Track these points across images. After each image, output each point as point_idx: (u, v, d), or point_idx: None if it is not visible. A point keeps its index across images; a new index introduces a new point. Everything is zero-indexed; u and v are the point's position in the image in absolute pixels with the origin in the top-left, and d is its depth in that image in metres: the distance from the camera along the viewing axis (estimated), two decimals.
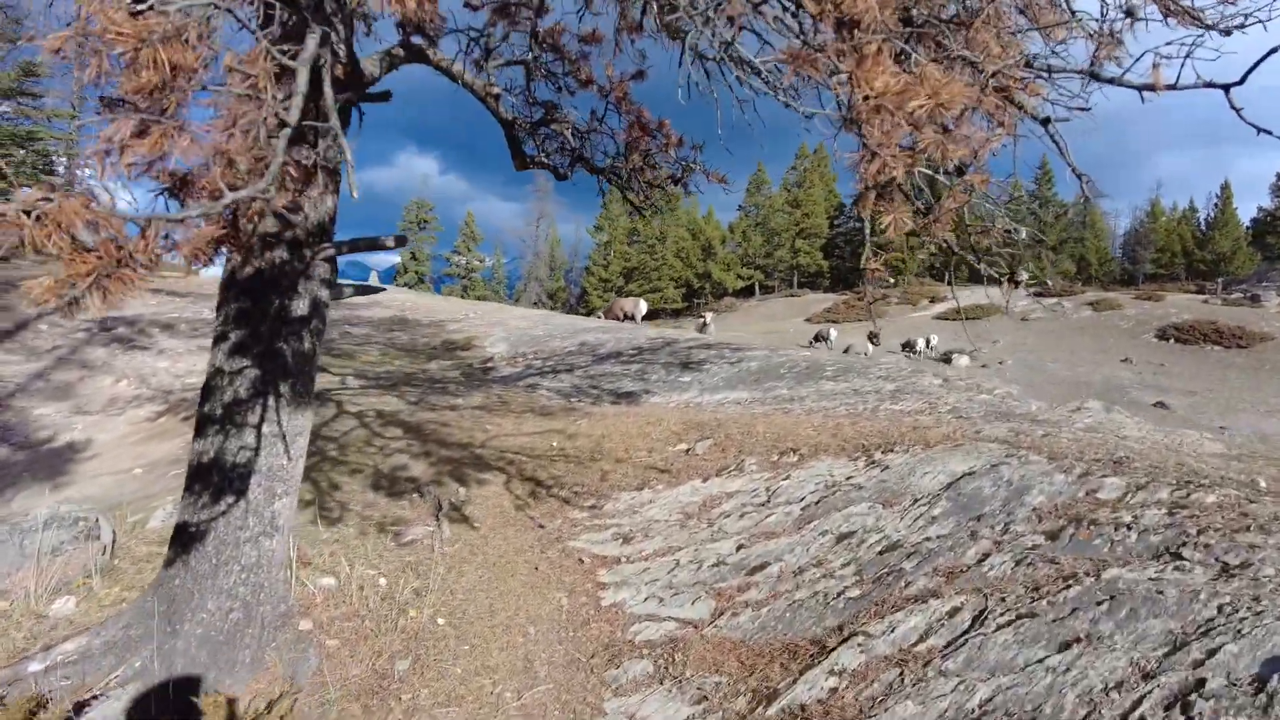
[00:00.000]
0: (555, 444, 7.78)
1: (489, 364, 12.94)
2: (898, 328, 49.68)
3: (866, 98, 1.74)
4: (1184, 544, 3.83)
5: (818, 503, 5.31)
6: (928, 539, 4.48)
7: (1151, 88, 2.90)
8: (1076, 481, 4.61)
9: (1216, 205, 61.25)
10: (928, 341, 41.61)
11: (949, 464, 5.20)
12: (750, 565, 4.86)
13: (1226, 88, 2.83)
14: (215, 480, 4.40)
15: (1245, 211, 67.63)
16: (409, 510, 6.62)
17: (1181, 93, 2.92)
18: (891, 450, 5.72)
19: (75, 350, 14.25)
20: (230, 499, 4.39)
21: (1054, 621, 3.52)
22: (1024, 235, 3.32)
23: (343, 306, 21.68)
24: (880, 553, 4.53)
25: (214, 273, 28.06)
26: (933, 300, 56.52)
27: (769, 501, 5.57)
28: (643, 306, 28.33)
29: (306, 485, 7.26)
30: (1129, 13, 3.19)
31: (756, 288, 72.17)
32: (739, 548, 5.09)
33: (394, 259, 72.78)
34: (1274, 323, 38.24)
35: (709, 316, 27.58)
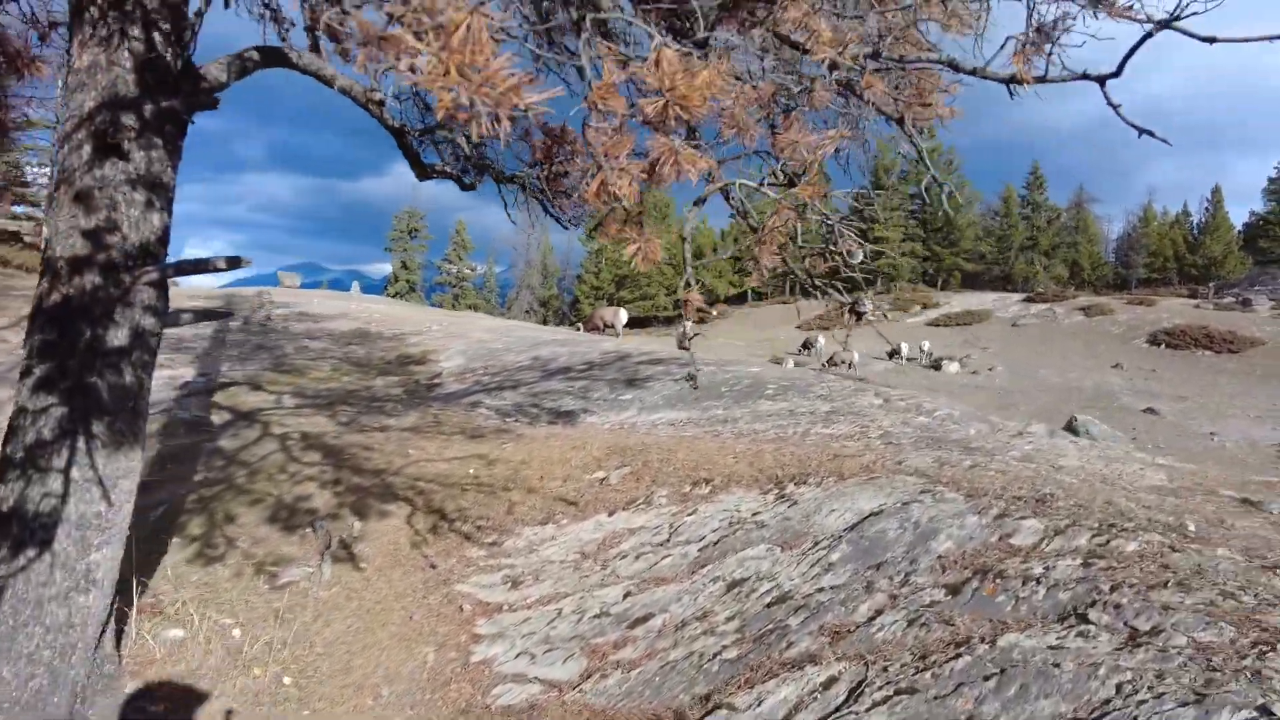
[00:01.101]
0: (472, 471, 7.29)
1: (436, 380, 12.45)
2: (890, 334, 49.27)
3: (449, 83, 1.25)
4: (1093, 603, 3.33)
5: (717, 543, 4.82)
6: (820, 590, 3.99)
7: (1019, 81, 2.43)
8: (991, 524, 4.12)
9: (1208, 210, 60.83)
10: (920, 348, 41.22)
11: (858, 501, 4.71)
12: (633, 617, 4.37)
13: (1102, 80, 2.36)
14: (15, 532, 3.91)
15: (1239, 216, 67.34)
16: (297, 547, 6.12)
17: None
18: (804, 482, 5.23)
19: (14, 369, 13.70)
20: (32, 552, 3.90)
21: (935, 699, 3.03)
22: (860, 258, 2.83)
23: (306, 319, 21.15)
24: (768, 605, 4.04)
25: (182, 288, 27.48)
26: (924, 306, 56.18)
27: (669, 540, 5.07)
28: (623, 316, 27.85)
29: (202, 518, 6.78)
30: None
31: (749, 294, 71.77)
32: (626, 595, 4.60)
33: (386, 268, 72.52)
34: (1265, 328, 37.86)
35: (688, 325, 27.05)
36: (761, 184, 2.49)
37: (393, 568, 5.78)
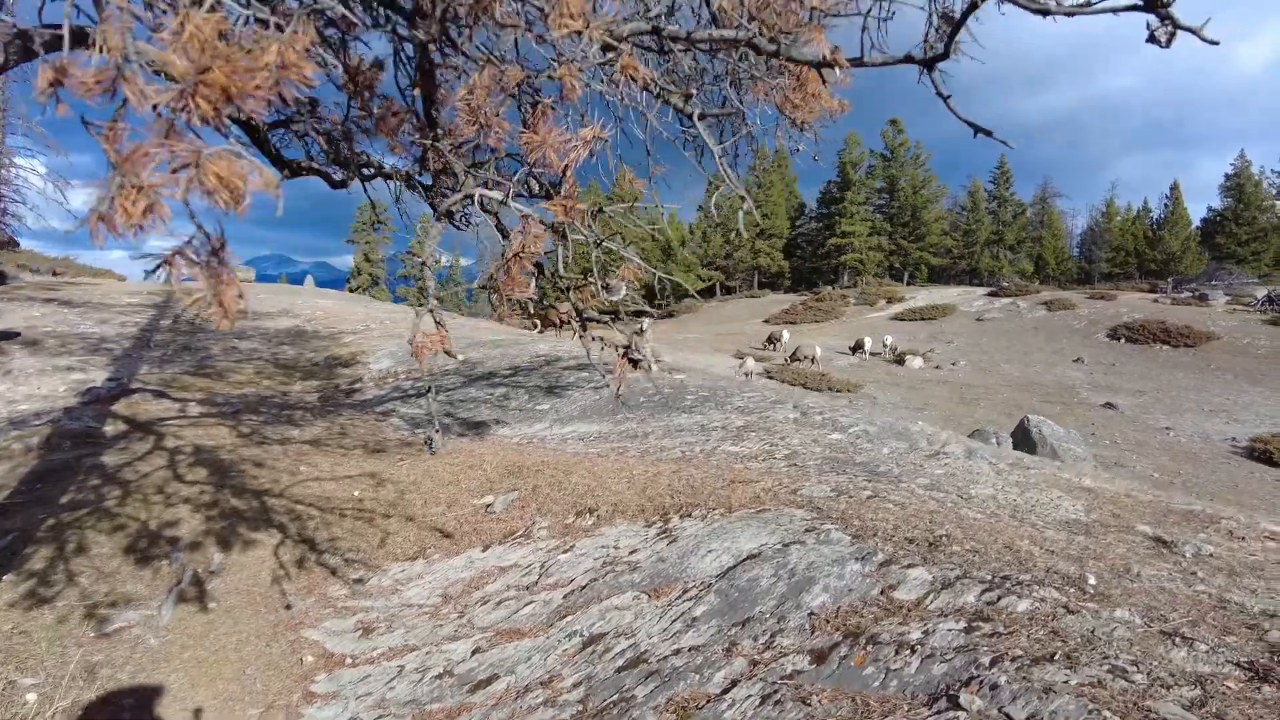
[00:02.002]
0: (357, 493, 6.71)
1: (357, 385, 11.80)
2: (854, 328, 49.23)
3: None
4: (969, 681, 2.86)
5: (585, 587, 4.31)
6: (678, 651, 3.49)
7: (830, 64, 1.93)
8: (875, 574, 3.64)
9: (1167, 206, 61.43)
10: (884, 342, 41.18)
11: (739, 539, 4.21)
12: (476, 679, 3.84)
13: (928, 64, 1.86)
14: None
15: (1200, 211, 68.30)
16: (146, 584, 5.51)
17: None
18: (690, 514, 4.73)
19: None
20: None
21: None
22: (623, 292, 2.33)
23: (246, 318, 20.34)
24: (620, 669, 3.53)
25: (130, 284, 26.48)
26: (890, 300, 56.26)
27: (537, 583, 4.55)
28: None
29: (50, 549, 6.13)
30: None
31: (718, 288, 71.42)
32: (475, 651, 4.06)
33: (350, 262, 71.11)
34: (1220, 322, 38.33)
35: (645, 323, 26.50)
36: (507, 196, 1.96)
37: (245, 608, 5.20)
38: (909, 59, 1.84)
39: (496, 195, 1.96)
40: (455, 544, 5.37)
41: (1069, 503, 4.76)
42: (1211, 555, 3.81)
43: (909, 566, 3.64)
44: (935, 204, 68.14)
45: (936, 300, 53.46)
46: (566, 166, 1.83)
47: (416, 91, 2.34)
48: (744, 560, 4.00)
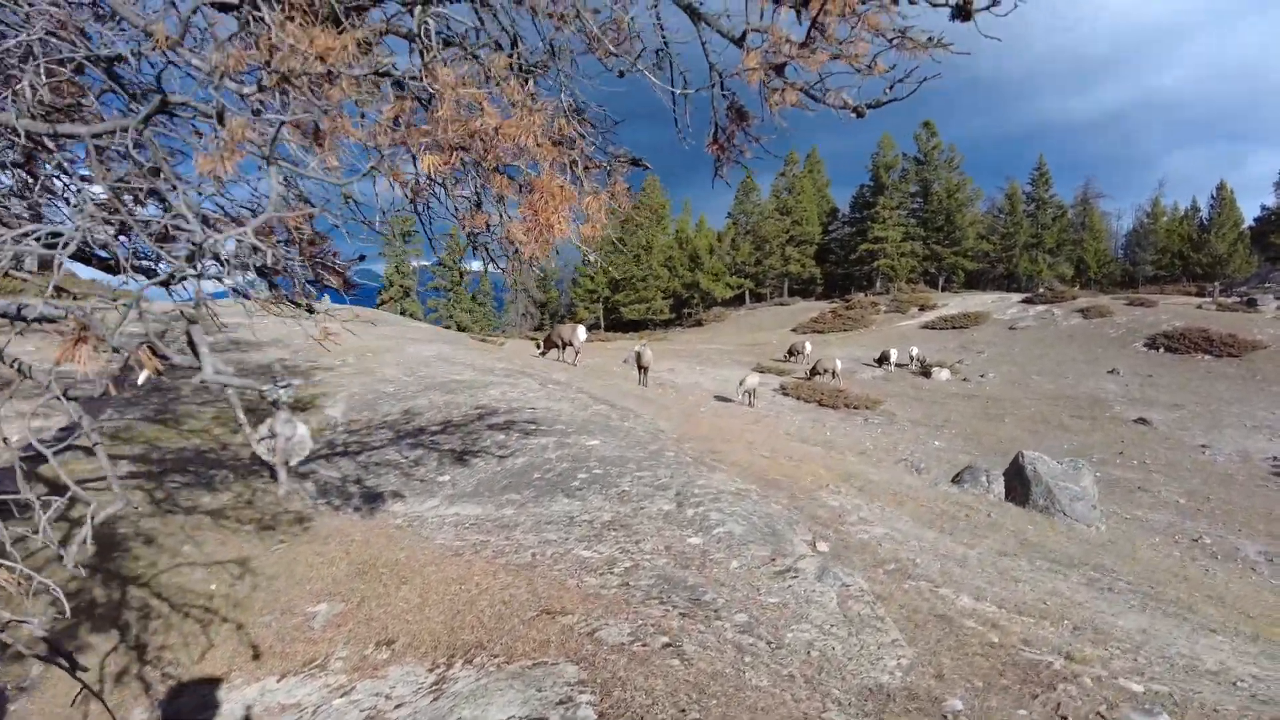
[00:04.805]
0: (214, 586, 6.45)
1: None
2: (884, 337, 48.13)
3: None
4: None
5: None
6: None
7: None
8: None
9: (1214, 205, 58.59)
10: (910, 354, 40.18)
11: (490, 708, 3.75)
12: None
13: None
14: None
15: (1253, 209, 65.24)
16: None
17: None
18: (474, 660, 4.30)
19: None
20: None
21: None
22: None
23: (234, 349, 20.44)
24: None
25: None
26: (921, 308, 54.87)
27: None
28: (581, 333, 26.98)
29: None
30: None
31: (747, 296, 70.59)
32: None
33: (380, 273, 72.20)
34: (1268, 330, 36.31)
35: (641, 343, 26.03)
36: None
37: None
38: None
39: None
40: (259, 667, 5.04)
41: (898, 653, 4.18)
42: None
43: None
44: (970, 207, 66.36)
45: (969, 308, 51.92)
46: None
47: None
48: None
